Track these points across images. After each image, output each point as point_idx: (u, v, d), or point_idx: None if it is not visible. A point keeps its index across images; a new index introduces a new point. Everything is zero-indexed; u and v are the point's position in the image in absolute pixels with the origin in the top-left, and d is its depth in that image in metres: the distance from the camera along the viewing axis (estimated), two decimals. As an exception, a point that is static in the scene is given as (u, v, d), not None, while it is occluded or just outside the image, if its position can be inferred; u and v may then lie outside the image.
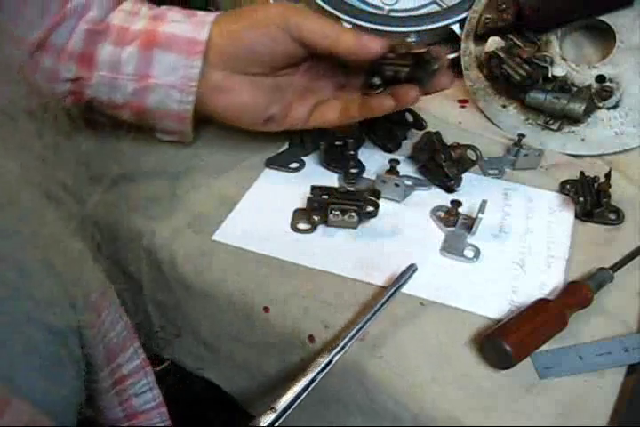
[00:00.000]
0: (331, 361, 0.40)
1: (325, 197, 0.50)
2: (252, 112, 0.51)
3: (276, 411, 0.37)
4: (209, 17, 0.50)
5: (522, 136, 0.56)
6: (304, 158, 0.57)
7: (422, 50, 0.48)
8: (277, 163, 0.57)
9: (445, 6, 0.69)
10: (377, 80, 0.50)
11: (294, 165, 0.57)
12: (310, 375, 0.39)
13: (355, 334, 0.41)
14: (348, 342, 0.40)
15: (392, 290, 0.43)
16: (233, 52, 0.49)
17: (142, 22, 0.49)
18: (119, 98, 0.50)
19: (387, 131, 0.58)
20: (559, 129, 0.60)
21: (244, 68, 0.49)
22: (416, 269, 0.45)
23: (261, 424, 0.36)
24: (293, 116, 0.53)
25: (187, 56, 0.48)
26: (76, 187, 0.36)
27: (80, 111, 0.44)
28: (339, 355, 0.40)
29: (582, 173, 0.54)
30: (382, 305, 0.43)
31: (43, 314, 0.32)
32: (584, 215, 0.52)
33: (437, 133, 0.56)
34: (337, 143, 0.57)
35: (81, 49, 0.48)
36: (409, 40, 0.67)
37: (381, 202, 0.51)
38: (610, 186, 0.53)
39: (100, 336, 0.42)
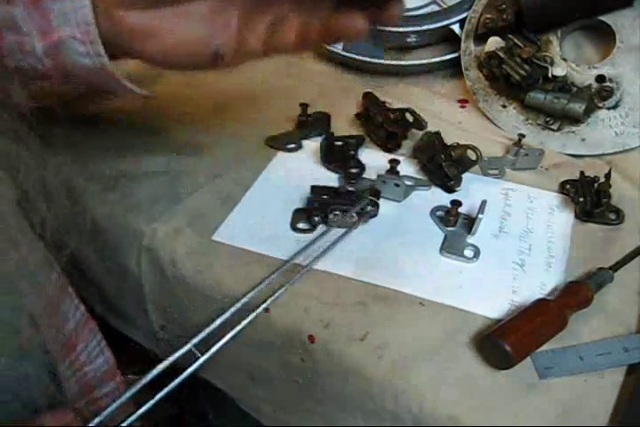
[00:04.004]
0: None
1: (325, 197, 0.50)
2: (191, 51, 0.41)
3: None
4: None
5: (522, 136, 0.56)
6: (303, 142, 0.60)
7: None
8: (276, 143, 0.59)
9: (445, 6, 0.69)
10: None
11: (291, 146, 0.58)
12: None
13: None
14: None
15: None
16: None
17: None
18: (38, 64, 0.41)
19: (387, 131, 0.58)
20: (559, 129, 0.60)
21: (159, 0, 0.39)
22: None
23: None
24: (245, 47, 0.42)
25: None
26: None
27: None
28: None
29: (582, 173, 0.54)
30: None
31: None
32: (584, 215, 0.52)
33: (437, 133, 0.56)
34: (337, 143, 0.58)
35: None
36: (409, 40, 0.68)
37: (381, 202, 0.51)
38: (610, 186, 0.53)
39: (71, 370, 0.41)
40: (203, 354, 0.40)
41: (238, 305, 0.42)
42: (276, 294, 0.43)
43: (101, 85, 0.43)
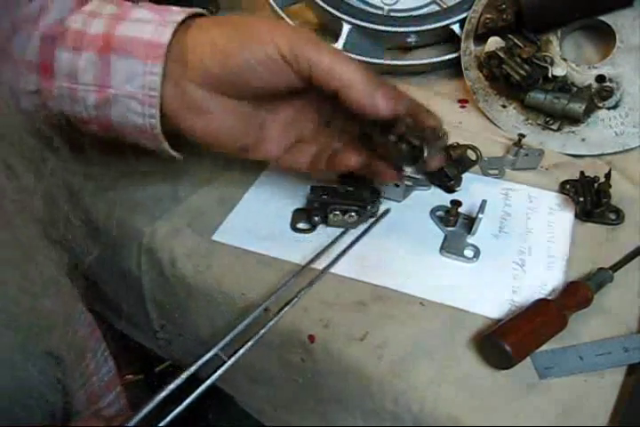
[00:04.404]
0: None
1: (325, 197, 0.50)
2: (226, 139, 0.46)
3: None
4: (179, 16, 0.43)
5: (522, 136, 0.56)
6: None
7: (417, 143, 0.43)
8: None
9: (445, 6, 0.69)
10: (393, 137, 0.43)
11: None
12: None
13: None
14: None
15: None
16: (219, 74, 0.42)
17: (101, 24, 0.43)
18: (82, 111, 0.44)
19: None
20: (559, 129, 0.60)
21: (227, 91, 0.43)
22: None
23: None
24: (267, 150, 0.48)
25: (144, 61, 0.41)
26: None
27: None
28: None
29: (582, 173, 0.54)
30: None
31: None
32: (584, 215, 0.52)
33: (437, 133, 0.56)
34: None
35: (38, 57, 0.43)
36: (409, 40, 0.68)
37: (381, 202, 0.51)
38: (610, 186, 0.53)
39: (82, 379, 0.41)
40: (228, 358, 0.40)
41: (259, 310, 0.42)
42: (296, 299, 0.44)
43: (139, 141, 0.46)
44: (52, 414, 0.36)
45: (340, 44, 0.67)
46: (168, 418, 0.37)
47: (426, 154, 0.43)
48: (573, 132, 0.60)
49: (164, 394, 0.37)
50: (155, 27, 0.42)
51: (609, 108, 0.59)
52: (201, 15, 0.45)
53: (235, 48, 0.41)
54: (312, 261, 0.47)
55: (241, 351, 0.40)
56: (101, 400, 0.45)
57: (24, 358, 0.33)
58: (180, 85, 0.43)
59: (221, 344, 0.40)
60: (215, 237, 0.50)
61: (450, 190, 0.54)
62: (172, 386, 0.38)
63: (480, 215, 0.48)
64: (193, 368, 0.39)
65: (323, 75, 0.41)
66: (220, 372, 0.39)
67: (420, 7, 0.71)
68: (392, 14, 0.70)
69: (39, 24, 0.43)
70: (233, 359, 0.40)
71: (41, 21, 0.43)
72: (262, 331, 0.41)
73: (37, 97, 0.44)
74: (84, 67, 0.43)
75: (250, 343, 0.41)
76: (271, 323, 0.42)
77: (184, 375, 0.38)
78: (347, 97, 0.41)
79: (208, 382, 0.39)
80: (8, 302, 0.31)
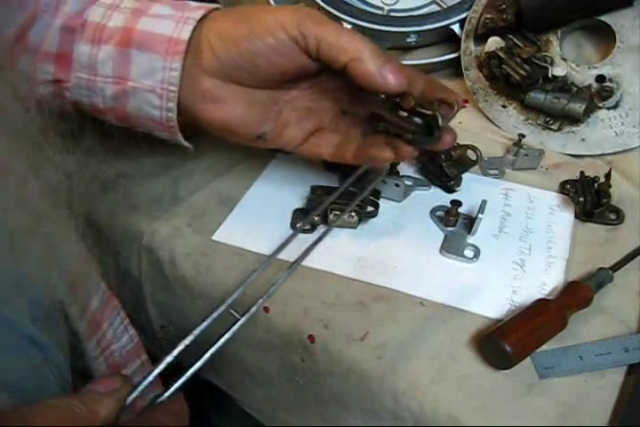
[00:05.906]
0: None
1: (325, 197, 0.50)
2: (243, 127, 0.46)
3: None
4: (198, 12, 0.43)
5: (522, 136, 0.56)
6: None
7: (430, 112, 0.42)
8: None
9: (445, 6, 0.69)
10: (382, 126, 0.44)
11: None
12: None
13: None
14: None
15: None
16: (229, 61, 0.43)
17: (121, 18, 0.43)
18: (99, 102, 0.45)
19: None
20: (559, 129, 0.60)
21: (240, 78, 0.44)
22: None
23: None
24: (286, 137, 0.48)
25: (165, 57, 0.42)
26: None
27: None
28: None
29: (582, 173, 0.54)
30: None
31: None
32: (584, 215, 0.52)
33: (437, 133, 0.56)
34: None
35: (57, 48, 0.44)
36: (409, 40, 0.68)
37: (381, 202, 0.51)
38: (610, 186, 0.53)
39: (100, 349, 0.41)
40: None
41: (235, 295, 0.42)
42: (272, 289, 0.43)
43: (153, 131, 0.47)
44: (64, 380, 0.37)
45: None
46: (181, 380, 0.38)
47: (440, 122, 0.42)
48: (573, 132, 0.60)
49: (170, 358, 0.39)
50: (175, 23, 0.43)
51: (609, 108, 0.59)
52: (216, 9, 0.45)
53: (243, 36, 0.42)
54: (277, 253, 0.45)
55: (254, 308, 0.41)
56: (125, 369, 0.44)
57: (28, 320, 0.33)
58: (192, 76, 0.43)
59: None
60: (215, 237, 0.50)
61: (450, 190, 0.54)
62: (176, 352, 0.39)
63: (480, 215, 0.48)
64: (203, 325, 0.40)
65: (330, 49, 0.41)
66: (235, 328, 0.40)
67: (420, 7, 0.71)
68: (392, 14, 0.70)
69: (58, 14, 0.44)
70: (247, 316, 0.40)
71: (60, 11, 0.44)
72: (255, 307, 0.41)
73: (53, 86, 0.45)
74: (103, 59, 0.44)
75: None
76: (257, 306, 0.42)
77: (191, 337, 0.40)
78: (356, 71, 0.41)
79: (223, 339, 0.39)
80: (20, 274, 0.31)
